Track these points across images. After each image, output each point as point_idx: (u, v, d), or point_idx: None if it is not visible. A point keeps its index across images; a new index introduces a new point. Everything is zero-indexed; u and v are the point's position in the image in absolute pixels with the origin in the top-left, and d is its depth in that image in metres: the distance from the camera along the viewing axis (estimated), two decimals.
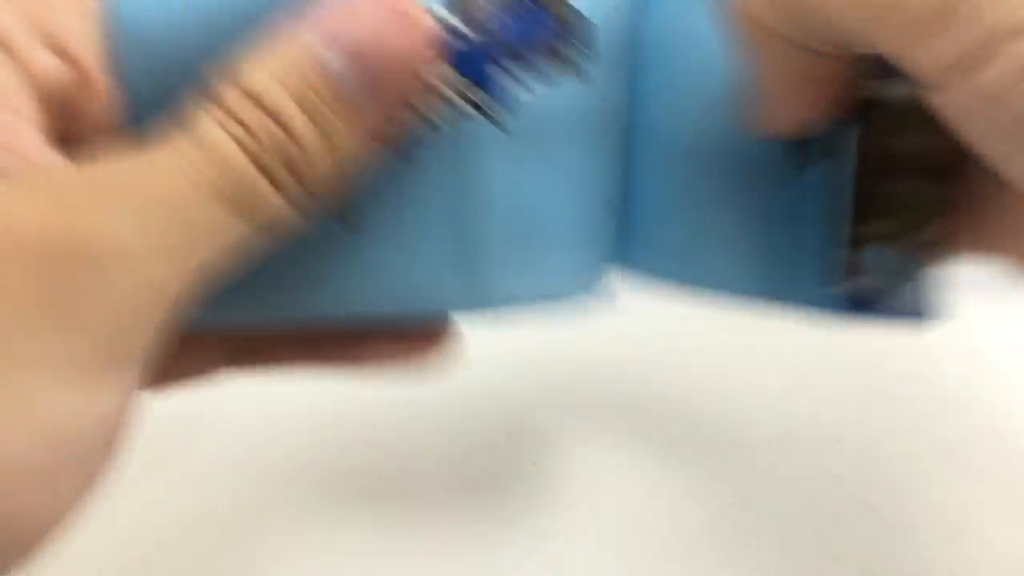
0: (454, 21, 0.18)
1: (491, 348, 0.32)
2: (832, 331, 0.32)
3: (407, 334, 0.22)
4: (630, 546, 0.26)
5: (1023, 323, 0.33)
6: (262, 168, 0.16)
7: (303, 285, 0.19)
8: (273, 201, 0.16)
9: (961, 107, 0.14)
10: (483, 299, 0.19)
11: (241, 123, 0.16)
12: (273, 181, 0.16)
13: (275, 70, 0.16)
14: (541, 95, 0.18)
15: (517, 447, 0.29)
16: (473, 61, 0.18)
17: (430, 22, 0.17)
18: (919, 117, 0.16)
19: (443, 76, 0.18)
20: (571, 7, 0.18)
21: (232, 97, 0.16)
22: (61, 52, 0.18)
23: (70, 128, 0.19)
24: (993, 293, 0.33)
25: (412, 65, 0.17)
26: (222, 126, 0.16)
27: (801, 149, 0.19)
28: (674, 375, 0.31)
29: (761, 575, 0.26)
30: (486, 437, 0.29)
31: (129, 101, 0.18)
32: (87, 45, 0.18)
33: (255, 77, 0.16)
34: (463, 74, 0.18)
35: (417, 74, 0.17)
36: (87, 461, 0.16)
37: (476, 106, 0.18)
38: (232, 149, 0.16)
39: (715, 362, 0.31)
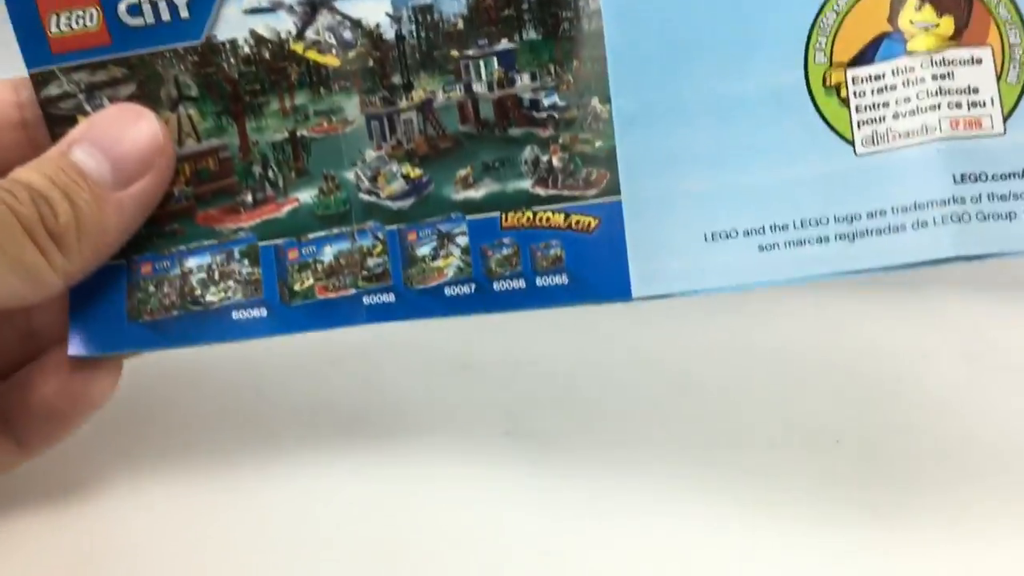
0: None
1: (491, 350, 0.32)
2: (832, 331, 0.32)
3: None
4: (630, 546, 0.26)
5: (1023, 323, 0.33)
6: (28, 230, 0.21)
7: None
8: (35, 258, 0.21)
9: None
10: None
11: (15, 196, 0.21)
12: (36, 242, 0.21)
13: (40, 165, 0.23)
14: None
15: (517, 447, 0.29)
16: None
17: (157, 121, 0.24)
18: None
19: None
20: None
21: (8, 182, 0.22)
22: None
23: None
24: (992, 292, 0.33)
25: (147, 150, 0.23)
26: (2, 200, 0.21)
27: None
28: (674, 375, 0.31)
29: (761, 575, 0.26)
30: (486, 437, 0.29)
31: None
32: None
33: (28, 169, 0.22)
34: None
35: (156, 156, 0.23)
36: None
37: None
38: (5, 211, 0.21)
39: (715, 362, 0.31)
